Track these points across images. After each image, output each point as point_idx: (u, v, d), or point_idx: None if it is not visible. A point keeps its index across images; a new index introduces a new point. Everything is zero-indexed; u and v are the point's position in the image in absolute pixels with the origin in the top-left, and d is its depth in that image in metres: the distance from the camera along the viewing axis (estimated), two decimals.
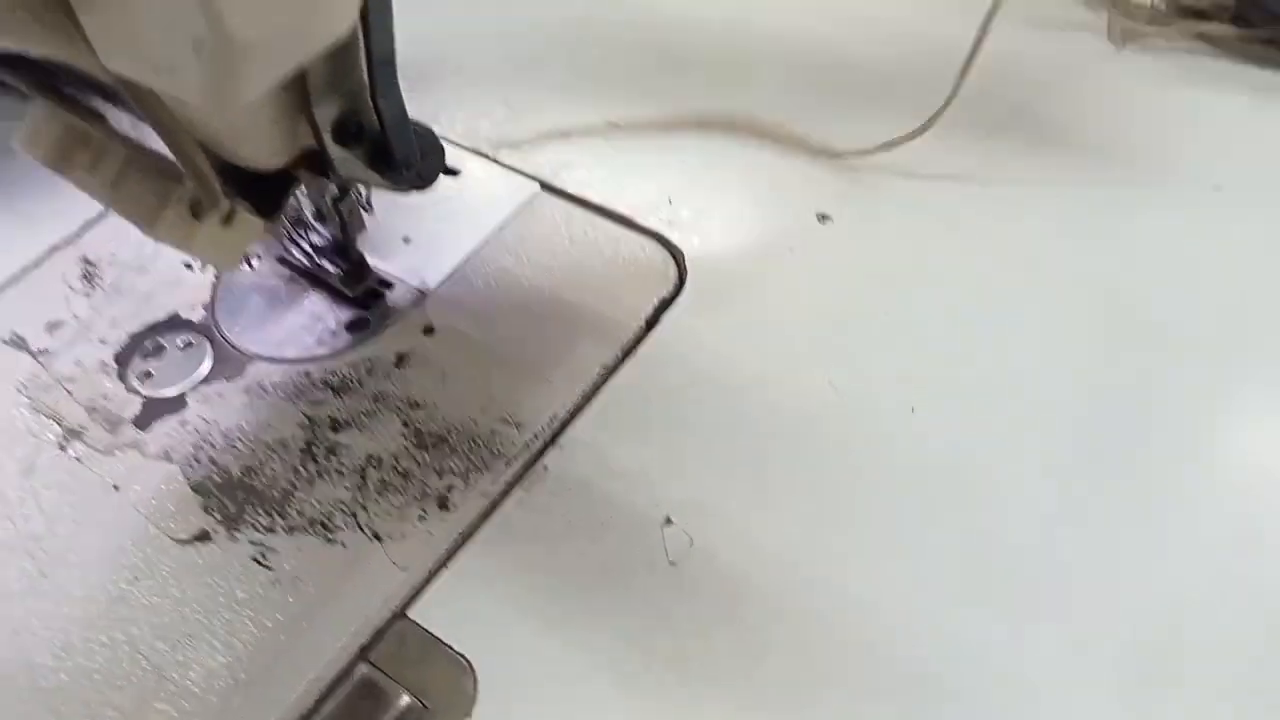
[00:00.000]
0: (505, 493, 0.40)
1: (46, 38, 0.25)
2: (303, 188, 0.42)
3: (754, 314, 0.46)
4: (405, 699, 0.35)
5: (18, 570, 0.39)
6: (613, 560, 0.38)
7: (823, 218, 0.49)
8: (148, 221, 0.31)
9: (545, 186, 0.51)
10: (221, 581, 0.39)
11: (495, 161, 0.53)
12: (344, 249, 0.46)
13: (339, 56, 0.31)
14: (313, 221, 0.44)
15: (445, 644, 0.37)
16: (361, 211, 0.45)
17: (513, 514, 0.40)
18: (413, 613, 0.37)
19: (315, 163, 0.36)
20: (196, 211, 0.32)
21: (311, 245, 0.46)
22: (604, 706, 0.35)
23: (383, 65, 0.32)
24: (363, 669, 0.36)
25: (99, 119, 0.34)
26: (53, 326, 0.48)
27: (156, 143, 0.32)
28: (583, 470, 0.41)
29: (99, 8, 0.23)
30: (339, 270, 0.46)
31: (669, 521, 0.39)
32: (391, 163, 0.37)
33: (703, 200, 0.50)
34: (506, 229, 0.50)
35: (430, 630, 0.37)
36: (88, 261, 0.50)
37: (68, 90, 0.33)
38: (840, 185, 0.50)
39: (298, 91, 0.32)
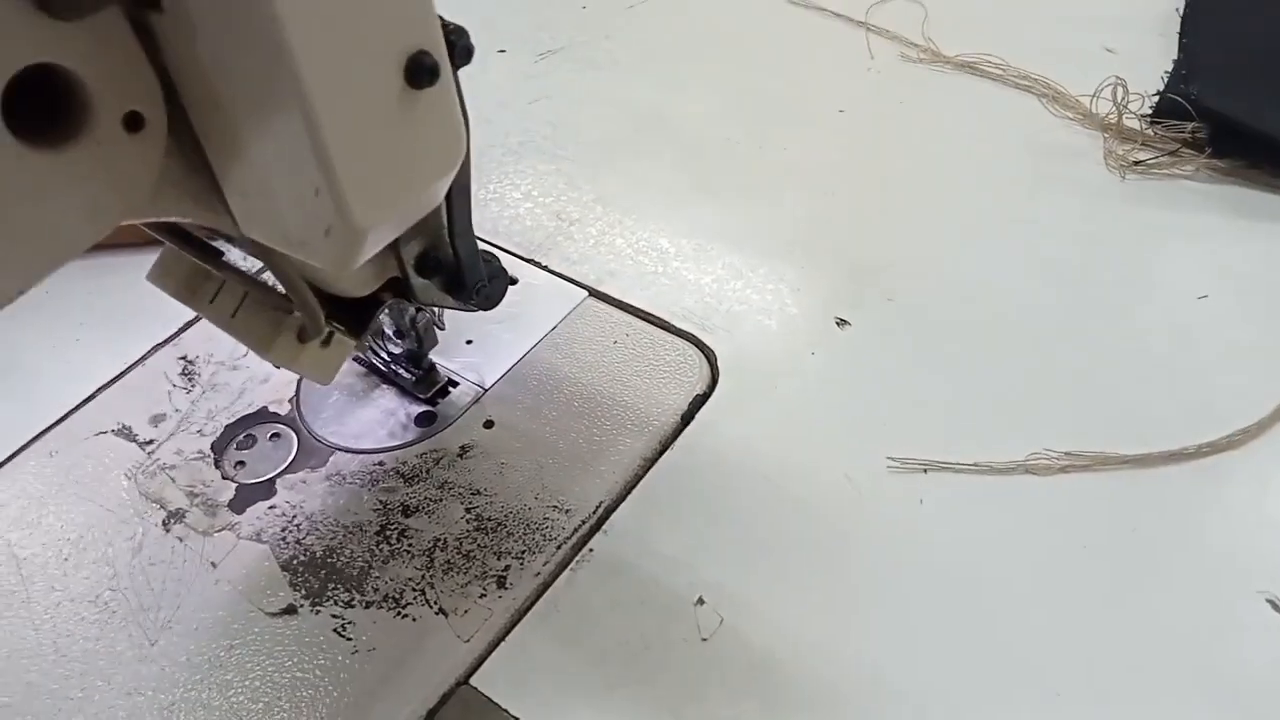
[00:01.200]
0: (556, 573, 0.46)
1: (198, 212, 0.31)
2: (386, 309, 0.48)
3: (779, 411, 0.51)
4: None
5: (128, 638, 0.45)
6: (652, 635, 0.43)
7: (841, 323, 0.54)
8: (263, 347, 0.37)
9: (593, 293, 0.57)
10: (306, 651, 0.44)
11: (548, 269, 0.59)
12: (417, 359, 0.52)
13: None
14: (391, 335, 0.50)
15: (503, 709, 0.41)
16: (434, 329, 0.51)
17: (563, 592, 0.45)
18: (475, 680, 0.42)
19: (399, 288, 0.42)
20: (302, 337, 0.38)
21: (389, 354, 0.52)
22: None
23: (461, 212, 0.38)
24: None
25: (218, 255, 0.40)
26: (156, 419, 0.54)
27: (265, 272, 0.38)
28: (625, 553, 0.46)
29: (247, 193, 0.29)
30: (412, 376, 0.52)
31: (701, 601, 0.44)
32: (464, 289, 0.43)
33: (733, 306, 0.56)
34: (557, 331, 0.56)
35: (490, 697, 0.42)
36: (186, 360, 0.57)
37: (194, 233, 0.40)
38: (854, 291, 0.56)
39: None
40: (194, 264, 0.39)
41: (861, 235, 0.59)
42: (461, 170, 0.32)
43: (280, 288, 0.37)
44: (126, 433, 0.53)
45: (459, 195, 0.35)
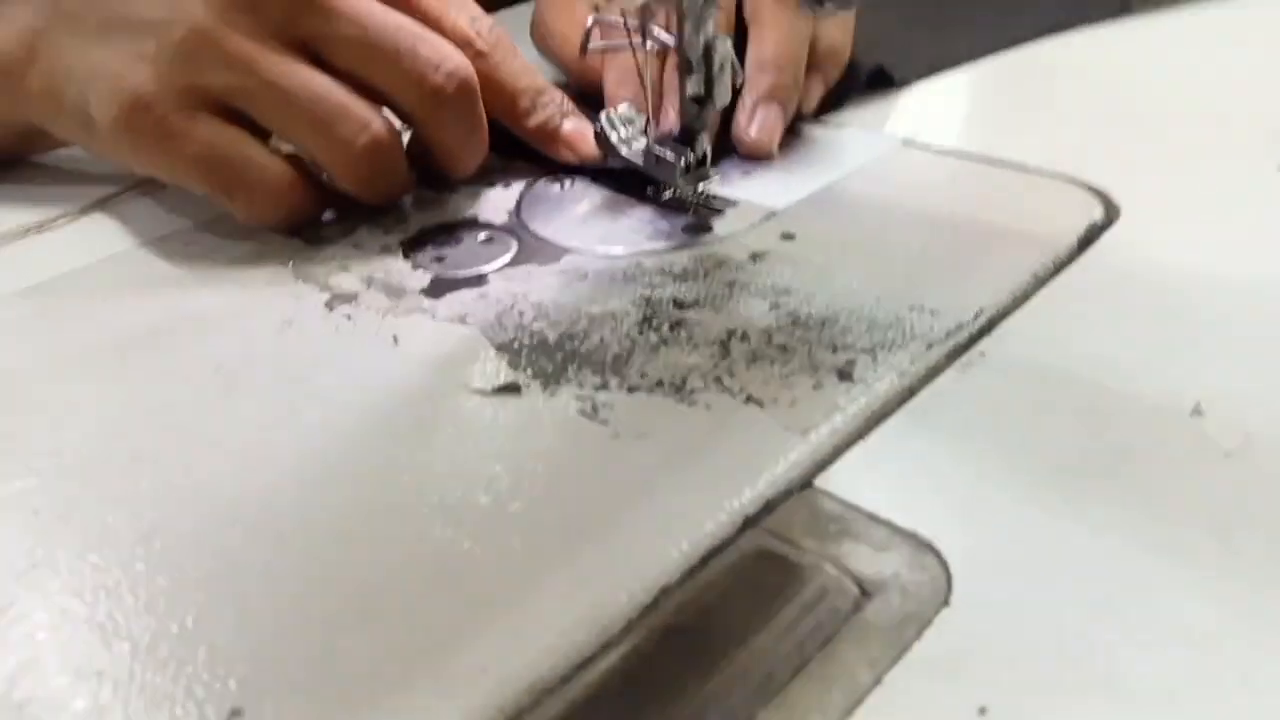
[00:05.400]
0: (930, 375, 0.29)
1: None
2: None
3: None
4: (825, 576, 0.22)
5: (257, 406, 0.29)
6: (1133, 444, 0.25)
7: None
8: None
9: (908, 143, 0.43)
10: (536, 429, 0.27)
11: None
12: (689, 135, 0.37)
13: None
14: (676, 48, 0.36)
15: (885, 520, 0.24)
16: (735, 68, 0.36)
17: (951, 392, 0.28)
18: (821, 483, 0.25)
19: None
20: None
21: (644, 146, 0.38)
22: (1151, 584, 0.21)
23: None
24: (755, 539, 0.24)
25: None
26: (328, 222, 0.40)
27: None
28: (1043, 356, 0.29)
29: None
30: (678, 159, 0.37)
31: (1199, 412, 0.26)
32: None
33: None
34: (866, 168, 0.41)
35: (857, 504, 0.24)
36: None
37: None
38: None
39: None
40: None
41: None
42: None
43: None
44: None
45: None
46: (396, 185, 0.40)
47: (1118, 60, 0.51)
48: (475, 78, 0.38)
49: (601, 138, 0.40)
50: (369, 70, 0.37)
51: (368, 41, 0.37)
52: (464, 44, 0.39)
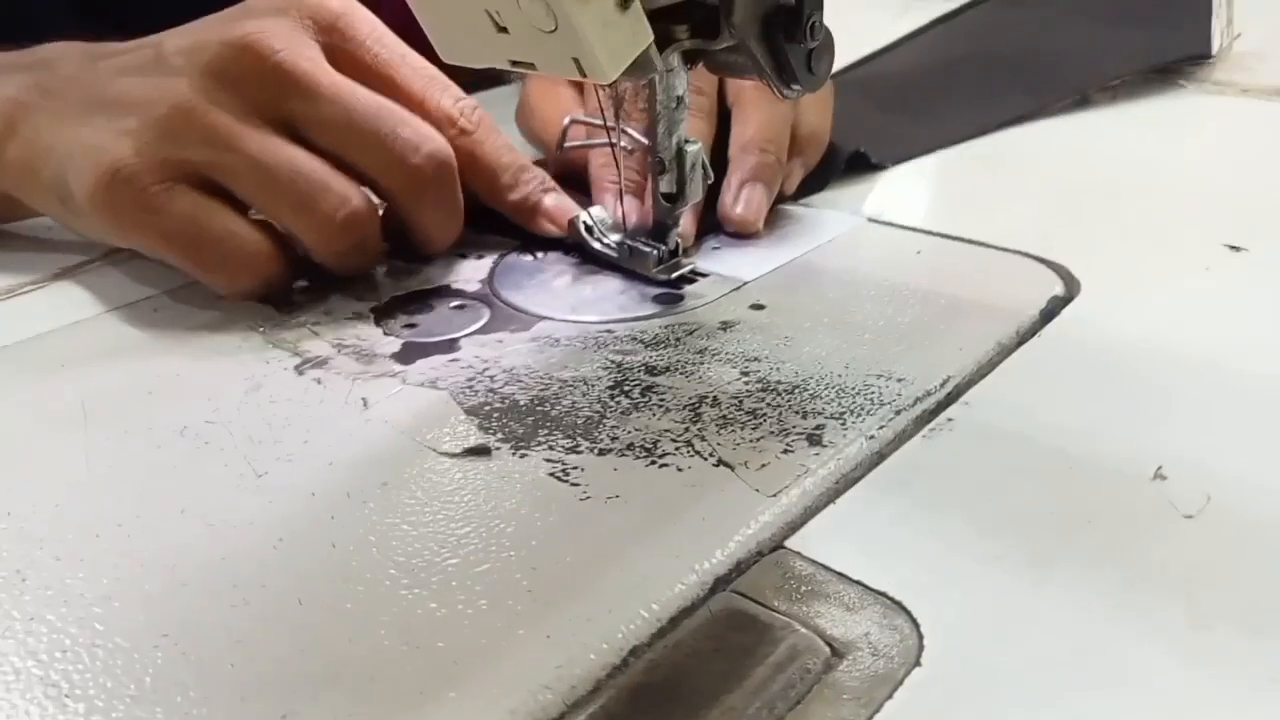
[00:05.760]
0: (899, 441, 0.29)
1: None
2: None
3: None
4: (796, 636, 0.22)
5: (224, 467, 0.28)
6: (1097, 511, 0.26)
7: (1234, 249, 0.40)
8: None
9: (874, 221, 0.44)
10: (508, 491, 0.27)
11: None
12: (662, 230, 0.38)
13: None
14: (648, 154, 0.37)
15: (856, 581, 0.24)
16: (704, 169, 0.37)
17: (922, 457, 0.28)
18: (792, 545, 0.25)
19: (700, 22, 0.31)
20: None
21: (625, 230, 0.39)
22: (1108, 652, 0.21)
23: None
24: (726, 600, 0.23)
25: None
26: (299, 290, 0.40)
27: None
28: (1007, 424, 0.29)
29: None
30: (652, 250, 0.39)
31: (1161, 476, 0.27)
32: (797, 25, 0.31)
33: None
34: (834, 243, 0.42)
35: (828, 565, 0.24)
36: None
37: None
38: (1253, 219, 0.42)
39: None
40: None
41: None
42: None
43: None
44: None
45: None
46: (370, 258, 0.40)
47: (1076, 147, 0.52)
48: (454, 160, 0.39)
49: (579, 235, 0.41)
50: (350, 150, 0.38)
51: (350, 123, 0.37)
52: (447, 123, 0.40)
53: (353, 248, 0.38)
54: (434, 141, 0.38)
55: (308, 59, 0.37)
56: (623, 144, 0.38)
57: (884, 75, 0.61)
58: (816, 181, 0.47)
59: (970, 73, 0.61)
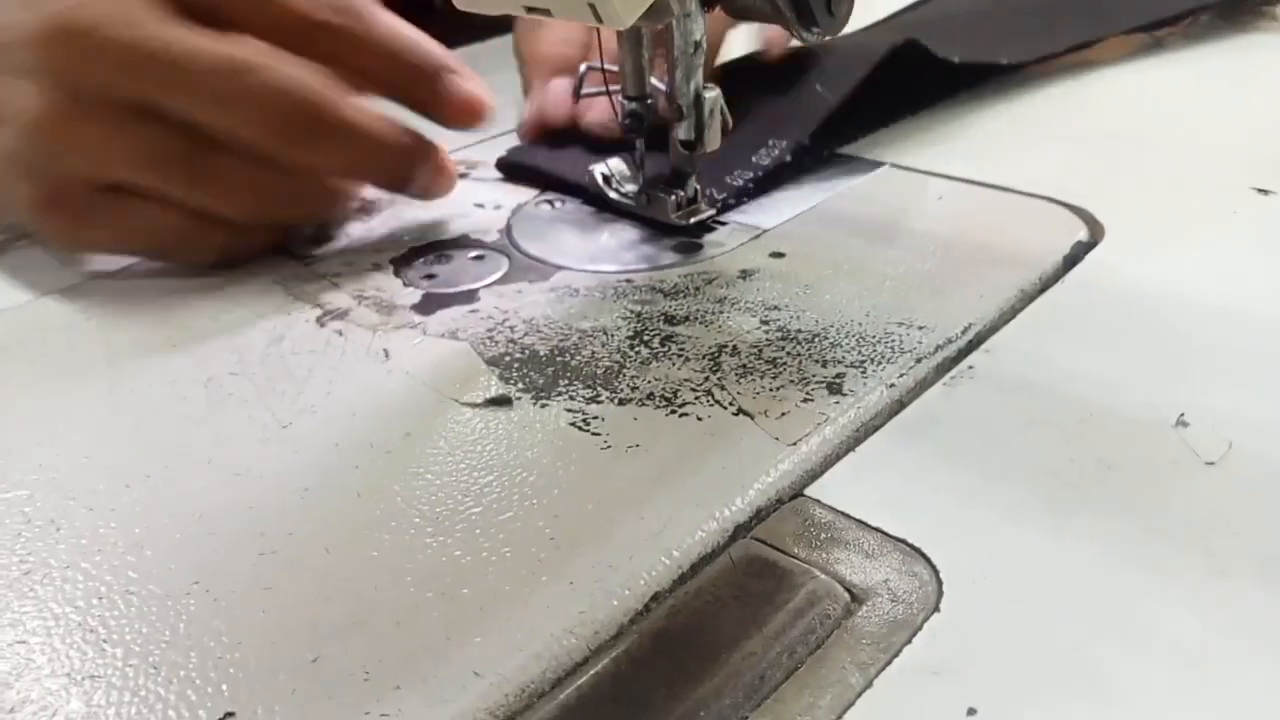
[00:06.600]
0: (919, 388, 0.29)
1: None
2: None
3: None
4: (816, 582, 0.22)
5: (247, 419, 0.29)
6: (1116, 456, 0.26)
7: (1263, 191, 0.39)
8: None
9: (895, 166, 0.44)
10: (529, 441, 0.27)
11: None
12: (682, 176, 0.38)
13: None
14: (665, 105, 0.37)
15: (875, 528, 0.24)
16: (724, 114, 0.37)
17: (941, 406, 0.28)
18: (812, 493, 0.25)
19: None
20: None
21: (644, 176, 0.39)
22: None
23: None
24: (746, 547, 0.24)
25: None
26: (320, 240, 0.40)
27: None
28: (1029, 373, 0.29)
29: None
30: (673, 197, 0.38)
31: (1183, 422, 0.27)
32: None
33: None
34: (855, 189, 0.42)
35: (847, 512, 0.24)
36: (363, 198, 0.44)
37: None
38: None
39: None
40: None
41: None
42: None
43: None
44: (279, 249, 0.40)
45: None
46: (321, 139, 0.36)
47: (1101, 92, 0.51)
48: (322, 95, 0.35)
49: (597, 185, 0.40)
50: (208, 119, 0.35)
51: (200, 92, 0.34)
52: (308, 29, 0.36)
53: (293, 122, 0.35)
54: (290, 83, 0.34)
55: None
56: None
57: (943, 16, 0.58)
58: (848, 130, 0.46)
59: (1034, 5, 0.59)
